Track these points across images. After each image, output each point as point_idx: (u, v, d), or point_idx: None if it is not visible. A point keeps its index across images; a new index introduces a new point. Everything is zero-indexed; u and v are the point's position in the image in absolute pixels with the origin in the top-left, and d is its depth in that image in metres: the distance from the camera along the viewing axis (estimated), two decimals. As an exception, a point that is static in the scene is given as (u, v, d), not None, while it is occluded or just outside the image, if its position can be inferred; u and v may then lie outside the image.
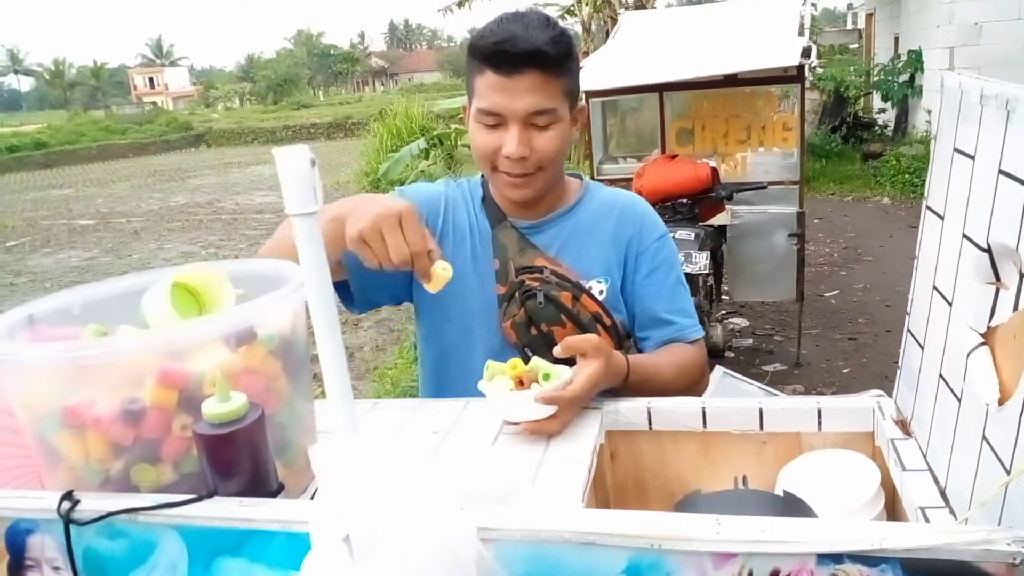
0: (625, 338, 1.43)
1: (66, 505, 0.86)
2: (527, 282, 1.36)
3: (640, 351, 1.43)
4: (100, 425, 0.88)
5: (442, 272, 1.12)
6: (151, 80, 75.08)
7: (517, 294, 1.36)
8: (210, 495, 0.86)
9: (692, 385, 1.38)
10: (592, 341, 1.19)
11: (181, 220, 12.91)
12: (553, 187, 1.43)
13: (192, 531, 0.84)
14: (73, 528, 0.86)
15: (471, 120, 1.35)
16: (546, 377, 1.13)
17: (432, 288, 1.13)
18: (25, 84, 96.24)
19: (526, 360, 1.28)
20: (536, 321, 1.35)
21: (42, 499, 0.89)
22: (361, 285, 1.41)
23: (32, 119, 53.42)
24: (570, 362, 1.19)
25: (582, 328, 1.34)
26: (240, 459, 0.87)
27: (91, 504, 0.86)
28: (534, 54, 1.25)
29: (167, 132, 33.63)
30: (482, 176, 1.50)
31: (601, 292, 1.39)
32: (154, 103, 55.62)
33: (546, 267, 1.38)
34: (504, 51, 1.25)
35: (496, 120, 1.30)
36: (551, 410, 1.10)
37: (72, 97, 75.42)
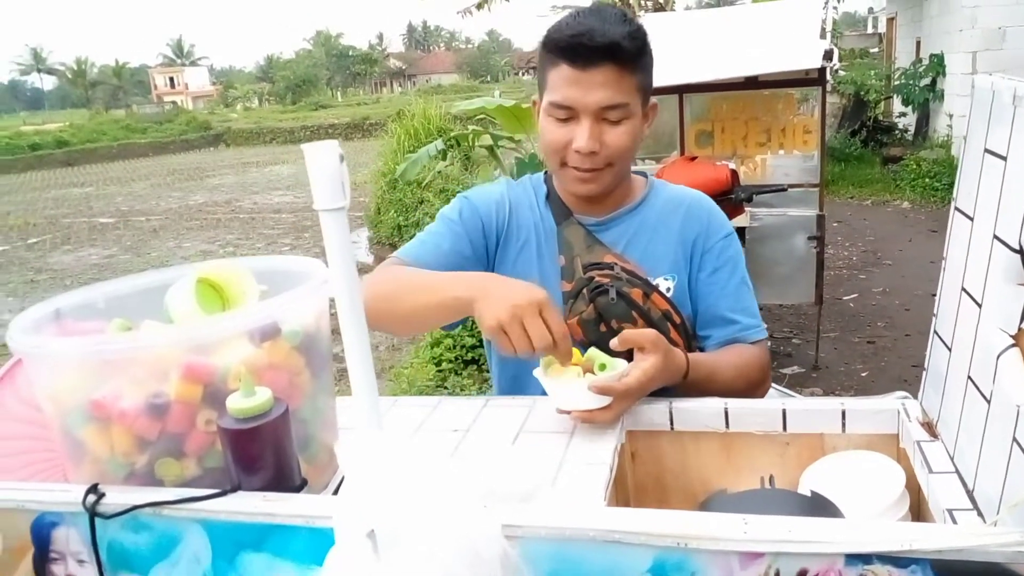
0: (693, 337, 1.42)
1: (91, 498, 0.87)
2: (596, 278, 1.35)
3: (702, 350, 1.41)
4: (125, 419, 0.89)
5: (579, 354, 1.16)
6: (171, 80, 75.73)
7: (585, 290, 1.35)
8: (234, 490, 0.86)
9: (754, 387, 1.35)
10: (650, 336, 1.17)
11: (199, 219, 13.01)
12: (620, 184, 1.41)
13: (216, 525, 0.85)
14: (98, 521, 0.87)
15: (542, 114, 1.35)
16: (602, 367, 1.12)
17: (546, 362, 1.16)
18: (48, 83, 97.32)
19: None
20: (606, 318, 1.33)
21: (68, 492, 0.90)
22: None
23: (54, 118, 54.01)
24: (630, 356, 1.18)
25: (653, 325, 1.32)
26: (264, 454, 0.88)
27: (116, 498, 0.87)
28: (610, 47, 1.24)
29: (187, 131, 33.90)
30: (545, 173, 1.50)
31: (669, 289, 1.38)
32: (174, 102, 56.09)
33: (616, 263, 1.37)
34: (581, 44, 1.24)
35: (568, 114, 1.29)
36: (604, 400, 1.10)
37: (94, 96, 76.16)
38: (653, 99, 1.38)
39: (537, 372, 1.15)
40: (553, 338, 1.09)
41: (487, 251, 1.44)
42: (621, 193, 1.44)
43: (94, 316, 1.05)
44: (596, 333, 1.33)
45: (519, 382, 1.42)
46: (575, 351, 1.14)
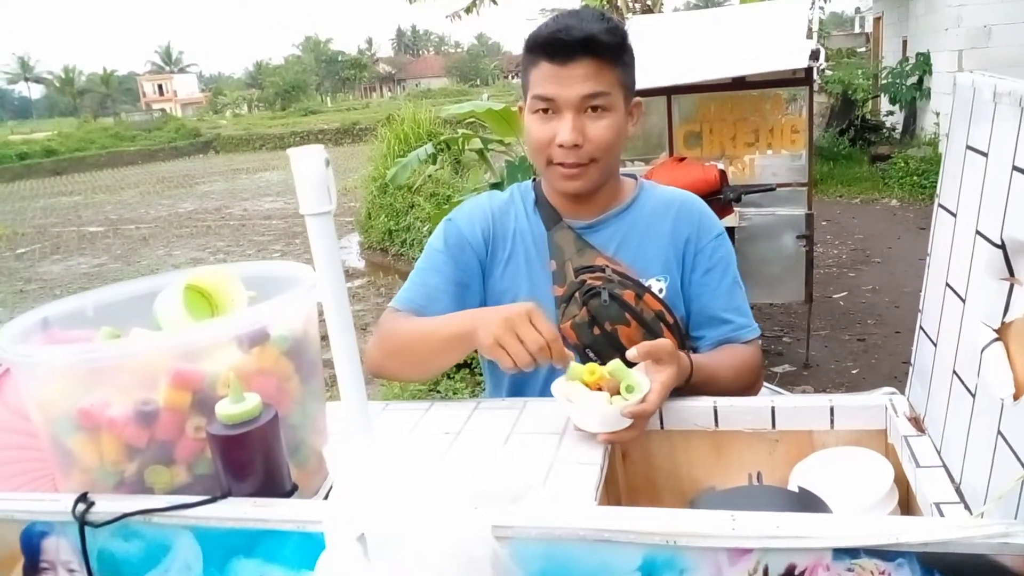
0: (687, 337, 1.42)
1: (81, 507, 0.87)
2: (588, 281, 1.35)
3: (695, 350, 1.41)
4: (114, 427, 0.89)
5: (572, 360, 1.17)
6: (160, 87, 75.41)
7: (577, 294, 1.35)
8: (224, 496, 0.86)
9: (749, 386, 1.36)
10: (667, 347, 1.16)
11: (190, 226, 12.96)
12: (607, 182, 1.41)
13: (206, 532, 0.85)
14: (88, 530, 0.86)
15: (527, 115, 1.37)
16: (629, 389, 1.10)
17: (568, 376, 1.14)
18: (35, 92, 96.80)
19: (584, 360, 1.29)
20: (600, 320, 1.33)
21: (57, 501, 0.90)
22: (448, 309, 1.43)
23: (42, 126, 53.74)
24: (622, 355, 1.17)
25: (646, 326, 1.32)
26: (254, 460, 0.88)
27: (106, 506, 0.87)
28: (587, 41, 1.27)
29: (176, 139, 33.77)
30: (533, 180, 1.51)
31: (661, 290, 1.38)
32: (163, 110, 55.84)
33: (607, 266, 1.38)
34: (558, 39, 1.28)
35: (549, 106, 1.31)
36: (628, 421, 1.09)
37: (82, 104, 75.80)
38: (637, 98, 1.39)
39: (557, 391, 1.13)
40: (545, 341, 1.12)
41: (481, 266, 1.45)
42: (610, 194, 1.44)
43: (82, 325, 1.05)
44: (590, 336, 1.33)
45: (517, 392, 1.43)
46: (595, 367, 1.13)
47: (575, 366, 1.14)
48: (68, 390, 0.90)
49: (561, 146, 1.31)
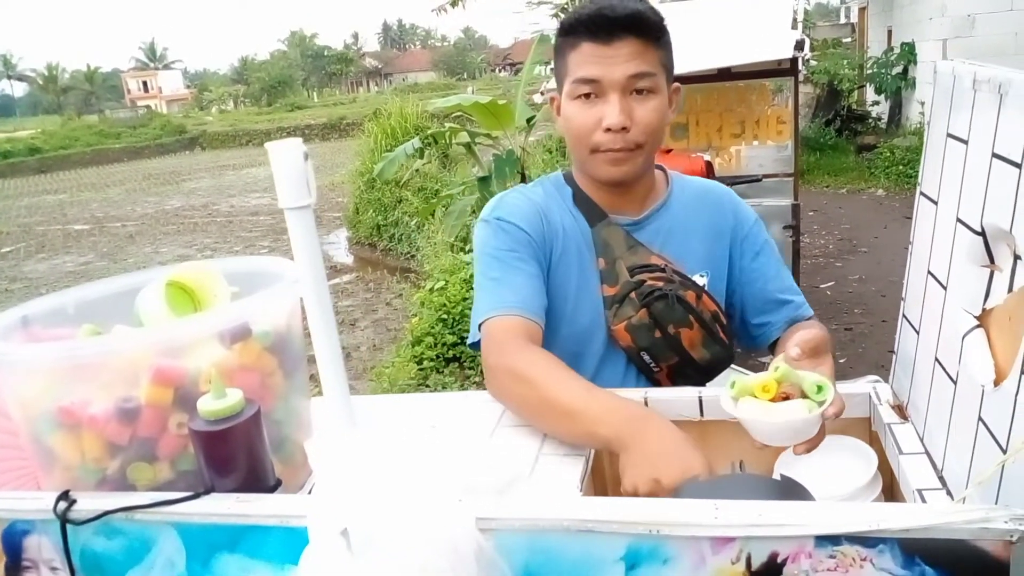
0: (733, 335, 1.37)
1: (62, 505, 0.86)
2: (649, 282, 1.29)
3: (757, 338, 1.38)
4: (96, 424, 0.88)
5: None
6: (145, 84, 74.87)
7: (634, 294, 1.29)
8: (207, 492, 0.86)
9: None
10: (822, 336, 1.06)
11: (176, 223, 12.91)
12: (647, 173, 1.35)
13: (190, 528, 0.84)
14: (70, 528, 0.86)
15: (565, 100, 1.29)
16: (819, 390, 0.94)
17: (734, 393, 0.99)
18: (18, 89, 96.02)
19: (640, 364, 1.27)
20: (663, 323, 1.27)
21: (39, 499, 0.89)
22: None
23: (26, 124, 53.32)
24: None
25: (706, 328, 1.29)
26: (236, 455, 0.87)
27: (88, 504, 0.86)
28: (632, 18, 1.21)
29: (161, 135, 33.59)
30: (565, 175, 1.42)
31: (704, 286, 1.34)
32: (148, 107, 55.41)
33: (666, 265, 1.32)
34: (603, 16, 1.21)
35: (593, 89, 1.24)
36: (818, 424, 0.95)
37: (66, 102, 75.12)
38: (676, 83, 1.33)
39: (730, 406, 0.97)
40: None
41: (546, 264, 1.33)
42: (647, 187, 1.37)
43: (64, 322, 1.04)
44: (649, 339, 1.29)
45: None
46: (768, 382, 0.96)
47: (740, 382, 0.99)
48: (49, 388, 0.90)
49: (608, 130, 1.23)
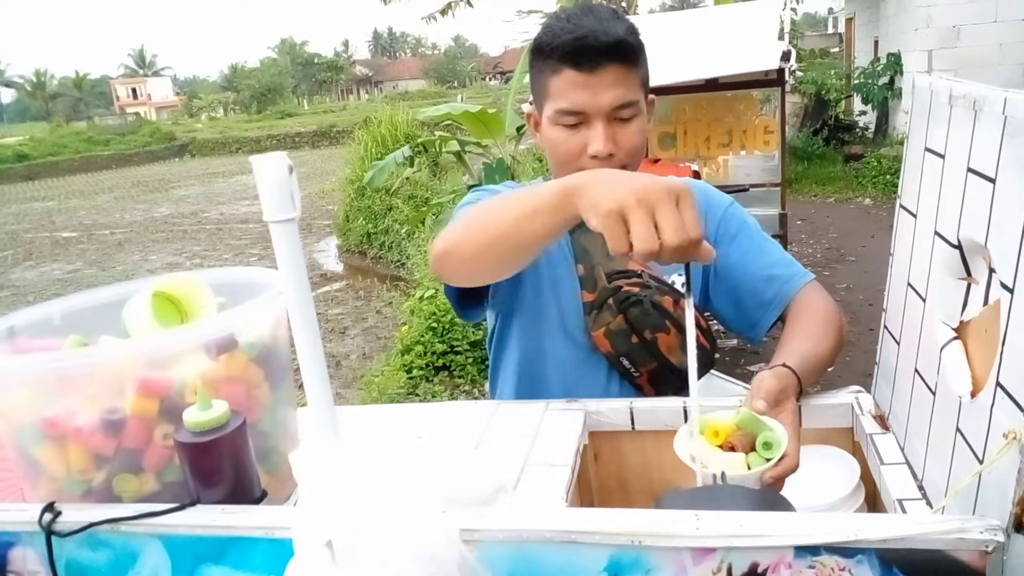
0: (714, 339, 1.37)
1: (47, 517, 0.86)
2: (625, 287, 1.30)
3: (756, 324, 1.35)
4: (81, 436, 0.88)
5: None
6: (134, 90, 74.69)
7: (612, 300, 1.29)
8: (193, 503, 0.86)
9: (839, 334, 1.25)
10: (785, 380, 1.04)
11: (165, 231, 12.87)
12: None
13: (175, 540, 0.84)
14: (55, 540, 0.86)
15: (547, 124, 1.27)
16: (766, 446, 0.92)
17: (696, 430, 0.95)
18: (6, 96, 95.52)
19: (621, 369, 1.28)
20: (639, 328, 1.28)
21: (23, 511, 0.89)
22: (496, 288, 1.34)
23: (13, 131, 53.01)
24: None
25: (683, 333, 1.22)
26: (222, 467, 0.87)
27: (73, 515, 0.86)
28: (617, 46, 1.20)
29: (150, 143, 33.51)
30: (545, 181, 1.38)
31: (682, 285, 1.33)
32: (137, 114, 55.28)
33: (643, 270, 1.32)
34: (586, 46, 1.19)
35: (578, 119, 1.23)
36: (754, 483, 0.91)
37: (54, 108, 74.82)
38: (651, 95, 1.33)
39: (679, 450, 0.93)
40: (689, 236, 0.82)
41: None
42: None
43: (50, 333, 1.04)
44: (626, 344, 1.30)
45: (536, 387, 1.35)
46: (720, 426, 0.95)
47: (703, 419, 0.96)
48: (34, 399, 0.90)
49: (595, 156, 1.23)
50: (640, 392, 1.32)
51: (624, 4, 10.14)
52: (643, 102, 1.27)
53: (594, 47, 1.19)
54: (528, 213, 0.99)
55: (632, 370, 1.30)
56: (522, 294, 1.35)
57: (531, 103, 1.38)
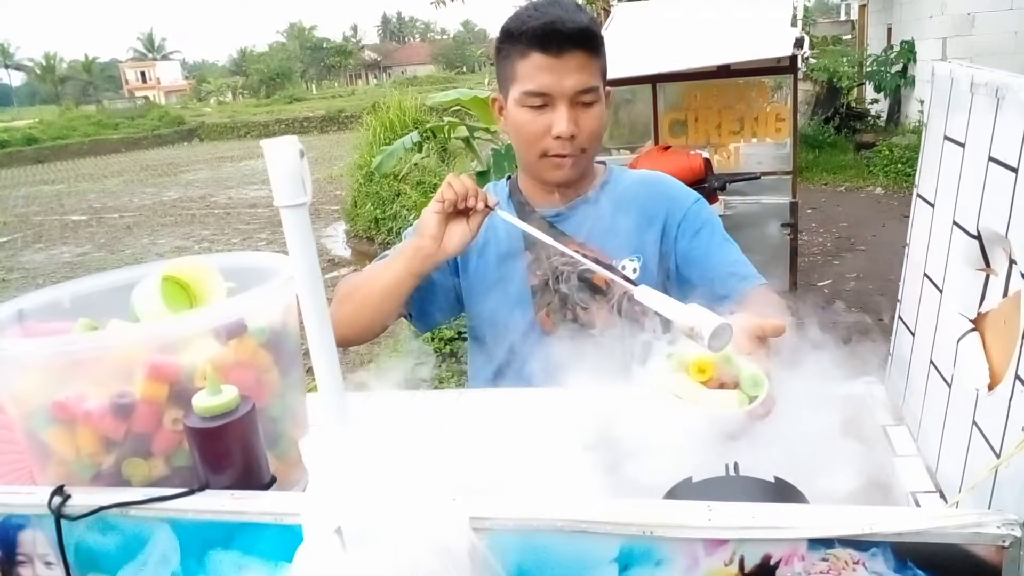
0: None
1: (57, 500, 0.86)
2: (559, 267, 1.38)
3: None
4: (90, 420, 0.88)
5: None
6: (143, 74, 74.62)
7: (550, 281, 1.38)
8: (202, 488, 0.85)
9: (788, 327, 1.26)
10: (760, 321, 1.01)
11: (174, 215, 12.88)
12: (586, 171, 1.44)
13: (184, 524, 0.84)
14: (64, 523, 0.86)
15: (513, 106, 1.36)
16: (755, 384, 0.89)
17: (670, 367, 0.93)
18: (16, 79, 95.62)
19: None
20: (570, 304, 1.36)
21: (33, 494, 0.89)
22: (420, 304, 1.45)
23: (23, 114, 53.20)
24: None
25: (618, 308, 1.35)
26: (231, 452, 0.87)
27: (82, 499, 0.86)
28: (581, 33, 1.29)
29: (159, 126, 33.49)
30: (508, 178, 1.53)
31: (635, 270, 1.40)
32: (146, 97, 55.18)
33: (578, 250, 1.34)
34: (554, 31, 1.28)
35: (543, 100, 1.32)
36: (744, 422, 0.89)
37: (63, 92, 74.94)
38: (608, 87, 1.42)
39: (657, 385, 0.87)
40: (466, 188, 1.25)
41: (456, 263, 1.47)
42: (581, 182, 1.45)
43: (59, 316, 1.04)
44: (563, 320, 1.37)
45: (500, 377, 1.44)
46: (703, 362, 0.91)
47: (678, 355, 0.92)
48: (44, 383, 0.90)
49: (558, 137, 1.32)
50: None
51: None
52: (602, 89, 1.36)
53: (561, 32, 1.28)
54: (391, 272, 1.31)
55: None
56: (471, 286, 1.46)
57: (495, 90, 1.47)
